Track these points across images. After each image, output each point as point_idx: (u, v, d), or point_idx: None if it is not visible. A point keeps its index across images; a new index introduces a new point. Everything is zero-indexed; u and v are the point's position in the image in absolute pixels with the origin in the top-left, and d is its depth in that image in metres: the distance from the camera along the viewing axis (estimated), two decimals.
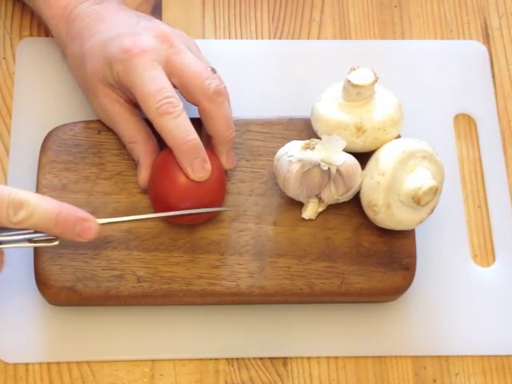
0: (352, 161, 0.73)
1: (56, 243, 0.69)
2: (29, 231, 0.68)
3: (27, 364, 0.75)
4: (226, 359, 0.76)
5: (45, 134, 0.78)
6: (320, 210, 0.76)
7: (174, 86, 0.73)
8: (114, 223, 0.72)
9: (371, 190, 0.73)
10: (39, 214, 0.66)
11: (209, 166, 0.72)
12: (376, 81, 0.74)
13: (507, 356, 0.78)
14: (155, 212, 0.75)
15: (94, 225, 0.69)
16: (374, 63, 0.78)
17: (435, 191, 0.72)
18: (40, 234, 0.69)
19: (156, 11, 0.88)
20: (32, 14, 0.86)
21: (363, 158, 0.75)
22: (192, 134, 0.71)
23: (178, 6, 0.89)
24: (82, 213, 0.69)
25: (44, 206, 0.66)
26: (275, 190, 0.77)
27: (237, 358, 0.76)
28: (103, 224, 0.70)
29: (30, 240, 0.69)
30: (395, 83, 0.81)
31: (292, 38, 0.88)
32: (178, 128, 0.71)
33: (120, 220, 0.72)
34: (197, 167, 0.72)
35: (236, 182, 0.77)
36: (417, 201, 0.72)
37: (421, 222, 0.75)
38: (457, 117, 0.86)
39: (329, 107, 0.75)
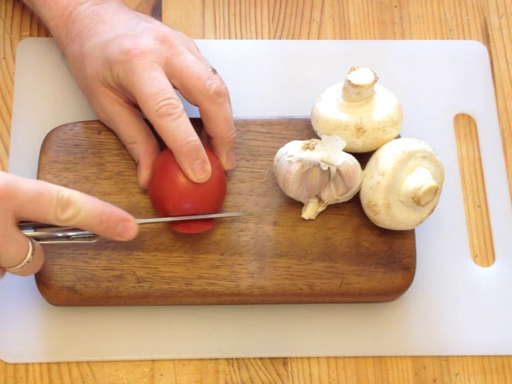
0: (352, 161, 0.73)
1: (95, 241, 0.71)
2: (67, 228, 0.69)
3: (27, 364, 0.75)
4: (226, 359, 0.76)
5: (45, 134, 0.78)
6: (320, 210, 0.76)
7: (175, 88, 0.73)
8: (151, 223, 0.74)
9: (371, 189, 0.73)
10: (84, 213, 0.67)
11: (209, 167, 0.72)
12: (376, 81, 0.74)
13: (507, 356, 0.78)
14: (156, 211, 0.75)
15: (134, 225, 0.70)
16: (374, 63, 0.78)
17: (435, 191, 0.72)
18: (78, 232, 0.70)
19: (156, 11, 0.88)
20: (32, 14, 0.86)
21: (363, 157, 0.75)
22: (192, 135, 0.71)
23: (178, 6, 0.89)
24: (123, 213, 0.70)
25: (89, 205, 0.67)
26: (275, 190, 0.77)
27: (237, 358, 0.76)
28: (141, 224, 0.72)
29: (68, 237, 0.70)
30: (395, 83, 0.81)
31: (292, 38, 0.88)
32: (179, 129, 0.71)
33: (159, 221, 0.73)
34: (197, 168, 0.72)
35: (236, 182, 0.77)
36: (417, 201, 0.72)
37: (421, 221, 0.75)
38: (457, 117, 0.86)
39: (329, 107, 0.75)
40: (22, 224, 0.68)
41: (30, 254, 0.67)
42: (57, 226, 0.69)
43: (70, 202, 0.67)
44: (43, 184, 0.67)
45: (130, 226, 0.70)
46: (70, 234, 0.70)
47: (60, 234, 0.69)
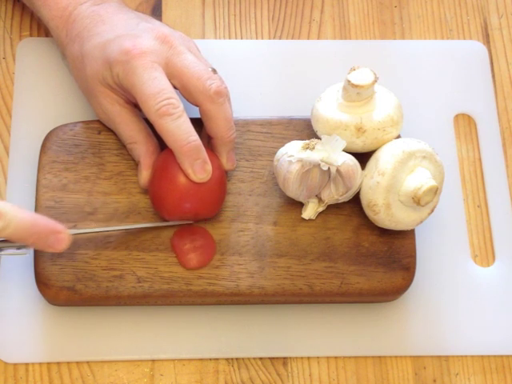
0: (352, 161, 0.73)
1: (25, 253, 0.70)
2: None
3: (27, 364, 0.75)
4: (226, 359, 0.76)
5: (45, 134, 0.78)
6: (320, 210, 0.76)
7: (175, 88, 0.73)
8: (85, 233, 0.73)
9: (371, 189, 0.73)
10: (15, 225, 0.67)
11: (209, 167, 0.72)
12: (376, 81, 0.73)
13: (507, 356, 0.78)
14: (156, 212, 0.75)
15: (66, 236, 0.70)
16: (374, 63, 0.78)
17: (435, 191, 0.72)
18: (8, 243, 0.69)
19: (156, 11, 0.88)
20: (32, 14, 0.86)
21: (363, 157, 0.75)
22: (193, 135, 0.71)
23: (178, 6, 0.89)
24: (54, 224, 0.69)
25: (20, 218, 0.67)
26: (275, 190, 0.77)
27: (237, 358, 0.76)
28: (75, 234, 0.72)
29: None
30: (395, 83, 0.81)
31: (292, 38, 0.88)
32: (179, 129, 0.71)
33: (91, 231, 0.73)
34: (197, 168, 0.72)
35: (236, 182, 0.77)
36: (417, 201, 0.72)
37: (421, 222, 0.75)
38: (457, 117, 0.86)
39: (329, 107, 0.75)
40: None
41: None
42: None
43: (1, 214, 0.66)
44: None
45: (61, 237, 0.69)
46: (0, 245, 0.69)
47: None
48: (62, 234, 0.69)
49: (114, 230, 0.74)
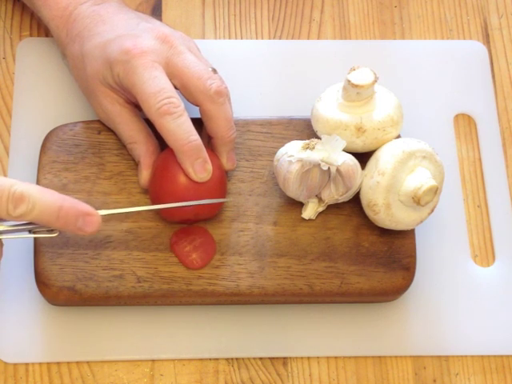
0: (352, 161, 0.73)
1: (55, 234, 0.69)
2: (25, 222, 0.68)
3: (27, 364, 0.75)
4: (226, 359, 0.76)
5: (45, 134, 0.78)
6: (320, 209, 0.76)
7: (175, 88, 0.73)
8: (115, 214, 0.72)
9: (371, 189, 0.73)
10: (40, 209, 0.65)
11: (210, 166, 0.72)
12: (376, 81, 0.74)
13: (507, 356, 0.78)
14: (156, 212, 0.75)
15: (96, 219, 0.68)
16: (374, 63, 0.78)
17: (435, 191, 0.72)
18: (38, 227, 0.68)
19: (156, 11, 0.88)
20: (32, 14, 0.86)
21: (363, 157, 0.75)
22: (193, 134, 0.71)
23: (178, 6, 0.89)
24: (84, 206, 0.68)
25: (45, 200, 0.66)
26: (275, 190, 0.77)
27: (237, 358, 0.76)
28: (105, 215, 0.69)
29: (30, 230, 0.69)
30: (395, 83, 0.81)
31: (292, 38, 0.88)
32: (180, 129, 0.71)
33: (122, 211, 0.72)
34: (198, 168, 0.72)
35: (236, 182, 0.77)
36: (417, 201, 0.72)
37: (421, 221, 0.75)
38: (457, 117, 0.86)
39: (329, 107, 0.75)
40: None
41: None
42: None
43: (24, 197, 0.65)
44: None
45: (91, 220, 0.67)
46: (30, 227, 0.68)
47: (19, 228, 0.68)
48: (91, 217, 0.67)
49: (143, 210, 0.72)
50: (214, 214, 0.75)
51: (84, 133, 0.78)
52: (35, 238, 0.73)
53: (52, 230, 0.69)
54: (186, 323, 0.76)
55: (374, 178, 0.73)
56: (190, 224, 0.75)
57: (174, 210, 0.73)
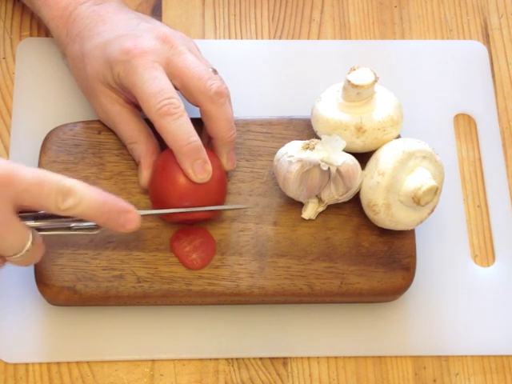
0: (352, 161, 0.73)
1: (96, 232, 0.70)
2: (68, 219, 0.69)
3: (27, 364, 0.75)
4: (226, 359, 0.76)
5: (45, 134, 0.78)
6: (320, 210, 0.76)
7: (176, 88, 0.73)
8: (154, 215, 0.73)
9: (371, 189, 0.73)
10: (86, 203, 0.66)
11: (210, 167, 0.72)
12: (376, 81, 0.74)
13: (507, 356, 0.78)
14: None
15: (136, 216, 0.69)
16: (374, 63, 0.78)
17: (435, 191, 0.72)
18: (79, 223, 0.69)
19: (156, 11, 0.88)
20: (32, 14, 0.86)
21: (363, 157, 0.75)
22: (193, 135, 0.71)
23: (178, 6, 0.89)
24: (125, 204, 0.69)
25: (91, 195, 0.66)
26: (275, 190, 0.77)
27: (237, 358, 0.76)
28: (144, 215, 0.71)
29: (70, 228, 0.69)
30: (395, 83, 0.81)
31: (292, 38, 0.88)
32: (180, 129, 0.71)
33: (160, 212, 0.73)
34: (198, 169, 0.72)
35: (236, 182, 0.77)
36: (417, 201, 0.72)
37: (421, 222, 0.75)
38: (457, 117, 0.86)
39: (329, 107, 0.75)
40: (23, 214, 0.67)
41: (29, 242, 0.67)
42: (58, 217, 0.68)
43: (71, 191, 0.66)
44: (44, 173, 0.66)
45: (132, 217, 0.69)
46: (72, 224, 0.69)
47: (61, 225, 0.69)
48: (131, 214, 0.69)
49: (179, 212, 0.72)
50: (214, 216, 0.75)
51: (84, 133, 0.78)
52: None
53: (92, 228, 0.70)
54: (185, 323, 0.76)
55: (374, 178, 0.73)
56: (190, 224, 0.75)
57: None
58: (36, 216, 0.68)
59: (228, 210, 0.75)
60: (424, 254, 0.79)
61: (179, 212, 0.72)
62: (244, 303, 0.76)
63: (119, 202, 0.68)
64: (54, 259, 0.73)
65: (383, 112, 0.75)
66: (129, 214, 0.69)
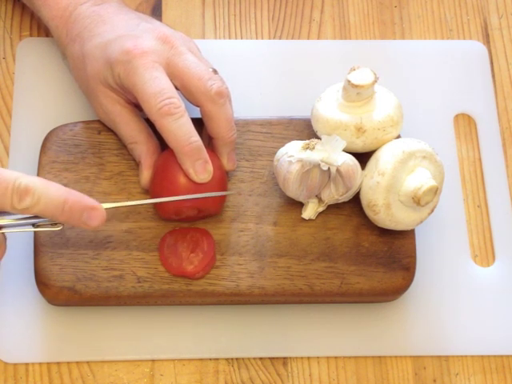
0: (352, 161, 0.73)
1: (59, 228, 0.69)
2: (29, 216, 0.68)
3: (27, 364, 0.75)
4: (226, 359, 0.76)
5: (45, 134, 0.78)
6: (320, 210, 0.76)
7: (176, 88, 0.73)
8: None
9: (371, 189, 0.73)
10: (45, 202, 0.65)
11: (211, 167, 0.72)
12: (376, 81, 0.74)
13: (507, 356, 0.78)
14: (156, 212, 0.75)
15: (100, 213, 0.68)
16: (374, 63, 0.78)
17: (435, 191, 0.72)
18: (41, 219, 0.68)
19: (156, 11, 0.88)
20: (32, 14, 0.86)
21: (363, 157, 0.75)
22: (194, 135, 0.71)
23: (178, 6, 0.89)
24: (89, 200, 0.67)
25: (50, 194, 0.65)
26: (275, 190, 0.77)
27: (237, 358, 0.76)
28: (108, 208, 0.69)
29: (33, 224, 0.69)
30: (395, 83, 0.81)
31: (292, 38, 0.88)
32: (180, 129, 0.71)
33: (125, 204, 0.71)
34: (199, 169, 0.72)
35: (236, 182, 0.77)
36: (417, 201, 0.72)
37: (421, 222, 0.75)
38: (457, 117, 0.86)
39: (329, 107, 0.75)
40: None
41: None
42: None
43: (28, 191, 0.64)
44: (0, 171, 0.65)
45: (96, 214, 0.67)
46: (34, 221, 0.68)
47: (22, 222, 0.68)
48: (96, 211, 0.67)
49: (143, 204, 0.72)
50: (214, 214, 0.75)
51: (84, 133, 0.78)
52: (36, 238, 0.73)
53: (56, 224, 0.69)
54: (185, 323, 0.76)
55: (374, 178, 0.73)
56: (190, 223, 0.75)
57: (174, 209, 0.72)
58: None
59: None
60: (424, 254, 0.79)
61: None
62: (244, 303, 0.76)
63: (82, 199, 0.67)
64: (54, 259, 0.73)
65: (383, 112, 0.75)
66: (93, 210, 0.67)
